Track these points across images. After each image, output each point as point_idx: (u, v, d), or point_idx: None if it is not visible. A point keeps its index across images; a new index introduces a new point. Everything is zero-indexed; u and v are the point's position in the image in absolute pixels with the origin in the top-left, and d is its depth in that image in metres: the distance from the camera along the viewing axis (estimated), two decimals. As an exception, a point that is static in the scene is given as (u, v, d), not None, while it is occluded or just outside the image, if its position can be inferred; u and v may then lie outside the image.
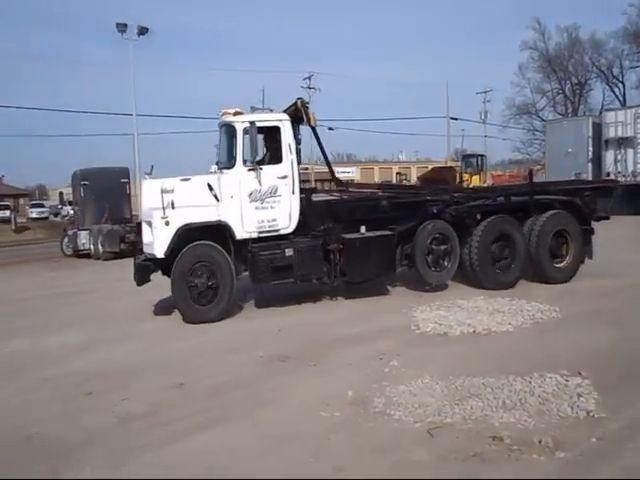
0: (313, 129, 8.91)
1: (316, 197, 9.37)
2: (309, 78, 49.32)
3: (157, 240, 8.04)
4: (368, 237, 8.82)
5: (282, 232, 8.54)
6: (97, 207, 20.00)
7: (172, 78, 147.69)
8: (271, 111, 8.99)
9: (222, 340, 7.10)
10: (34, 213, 48.05)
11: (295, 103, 8.80)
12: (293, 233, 8.61)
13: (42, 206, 52.93)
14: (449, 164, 38.14)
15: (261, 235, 8.45)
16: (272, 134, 8.66)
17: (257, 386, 5.28)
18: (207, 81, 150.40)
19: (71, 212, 26.06)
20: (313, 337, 6.85)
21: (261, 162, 8.51)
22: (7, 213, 42.13)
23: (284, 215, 8.50)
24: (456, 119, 48.03)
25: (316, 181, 54.52)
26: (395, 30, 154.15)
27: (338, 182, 10.04)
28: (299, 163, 8.94)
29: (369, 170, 67.63)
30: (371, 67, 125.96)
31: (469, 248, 9.00)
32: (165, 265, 8.15)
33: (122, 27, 30.62)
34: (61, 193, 33.02)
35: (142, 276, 8.21)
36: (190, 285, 8.02)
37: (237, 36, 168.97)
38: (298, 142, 8.90)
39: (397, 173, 39.11)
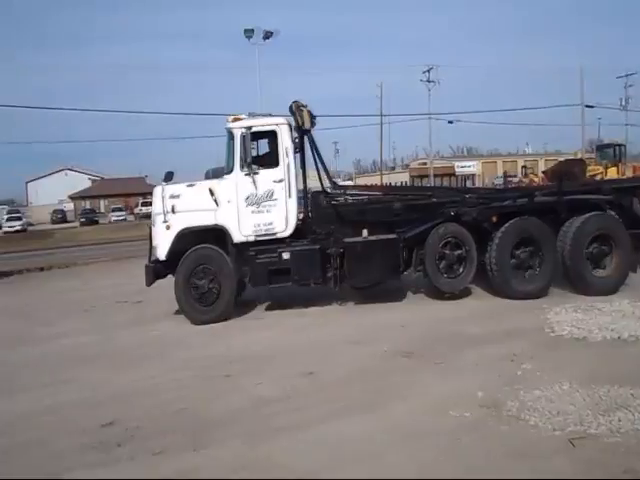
0: (306, 132, 8.80)
1: (323, 199, 8.97)
2: (428, 71, 48.39)
3: (160, 243, 8.51)
4: (370, 241, 8.57)
5: (279, 235, 8.57)
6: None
7: (295, 78, 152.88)
8: (270, 116, 9.02)
9: (344, 332, 7.22)
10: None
11: (290, 107, 8.78)
12: (293, 236, 8.61)
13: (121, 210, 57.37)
14: (580, 156, 35.10)
15: (258, 239, 8.54)
16: (270, 138, 8.76)
17: (384, 380, 5.31)
18: (328, 79, 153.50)
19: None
20: (437, 334, 6.72)
21: (258, 166, 8.54)
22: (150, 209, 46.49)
23: (280, 219, 8.54)
24: (592, 107, 44.18)
25: (435, 176, 53.37)
26: (523, 15, 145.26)
27: (335, 185, 9.77)
28: (323, 164, 9.13)
29: (491, 164, 64.62)
30: (496, 57, 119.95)
31: (489, 253, 8.32)
32: (173, 267, 8.42)
33: (249, 33, 32.39)
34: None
35: (149, 277, 8.54)
36: (192, 287, 8.32)
37: (357, 33, 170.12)
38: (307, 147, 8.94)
39: (522, 166, 36.77)
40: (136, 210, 52.14)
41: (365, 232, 8.66)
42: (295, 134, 8.74)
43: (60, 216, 55.57)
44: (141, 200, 53.04)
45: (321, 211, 8.86)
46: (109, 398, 5.43)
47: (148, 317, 8.95)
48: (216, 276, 8.36)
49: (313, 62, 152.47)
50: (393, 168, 68.56)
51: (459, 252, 8.49)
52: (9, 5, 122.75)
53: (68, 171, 73.48)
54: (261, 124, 8.69)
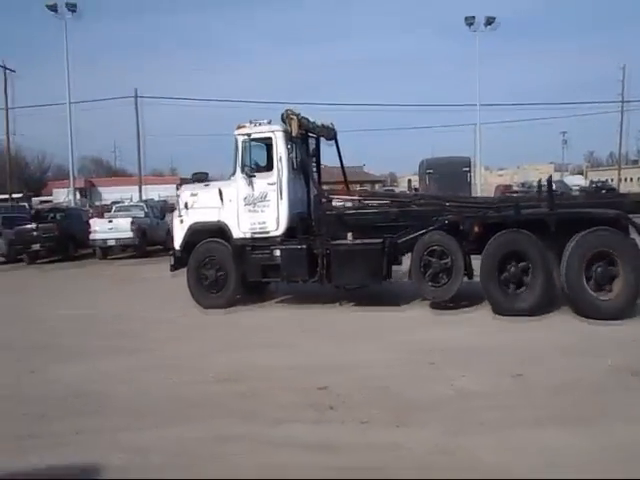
0: (296, 138, 9.31)
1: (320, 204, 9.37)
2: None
3: (176, 236, 9.83)
4: (353, 245, 8.89)
5: (271, 234, 9.24)
6: (439, 193, 21.29)
7: (515, 65, 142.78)
8: (269, 123, 9.44)
9: (554, 338, 6.77)
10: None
11: (282, 115, 9.24)
12: (289, 235, 9.21)
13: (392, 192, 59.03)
14: None
15: (254, 236, 9.31)
16: (267, 145, 9.45)
17: (604, 396, 4.86)
18: (551, 64, 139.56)
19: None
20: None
21: (257, 170, 9.31)
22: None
23: (272, 219, 9.21)
24: None
25: None
26: None
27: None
28: (318, 172, 10.25)
29: None
30: None
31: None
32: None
33: (470, 20, 31.47)
34: (409, 180, 36.21)
35: (176, 265, 9.87)
36: (202, 276, 9.42)
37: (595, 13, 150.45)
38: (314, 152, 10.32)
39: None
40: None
41: (349, 235, 8.97)
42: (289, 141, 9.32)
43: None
44: (358, 187, 55.79)
45: (320, 214, 9.32)
46: (325, 365, 6.05)
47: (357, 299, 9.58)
48: (222, 266, 9.39)
49: (540, 47, 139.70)
50: (636, 162, 59.46)
51: (445, 261, 8.36)
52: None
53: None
54: (259, 131, 9.37)
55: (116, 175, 77.79)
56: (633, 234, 7.88)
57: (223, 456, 4.03)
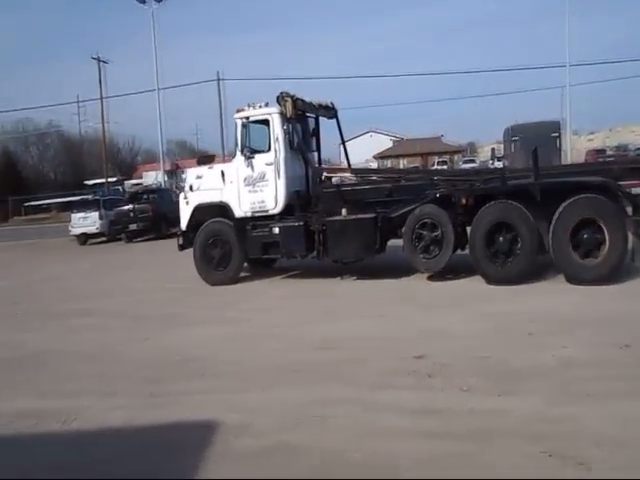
0: (292, 119, 9.63)
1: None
2: None
3: (182, 216, 10.35)
4: (347, 220, 9.16)
5: (270, 212, 9.63)
6: (526, 162, 20.30)
7: (605, 18, 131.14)
8: (266, 106, 9.75)
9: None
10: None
11: (277, 97, 9.53)
12: (287, 213, 9.59)
13: (473, 162, 57.22)
14: None
15: (255, 214, 9.70)
16: (265, 126, 9.71)
17: None
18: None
19: (499, 166, 27.36)
20: None
21: (256, 151, 9.65)
22: (445, 167, 47.99)
23: (271, 197, 9.59)
24: None
25: None
26: None
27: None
28: (318, 151, 10.81)
29: None
30: None
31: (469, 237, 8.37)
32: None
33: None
34: (493, 149, 34.90)
35: (184, 244, 10.47)
36: (208, 254, 9.95)
37: None
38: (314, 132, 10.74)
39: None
40: (432, 168, 53.96)
41: (344, 211, 9.25)
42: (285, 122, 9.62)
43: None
44: (437, 159, 54.53)
45: (318, 191, 9.70)
46: (418, 334, 6.10)
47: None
48: (226, 245, 9.88)
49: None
50: None
51: (436, 233, 8.54)
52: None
53: (373, 133, 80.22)
54: (257, 114, 9.77)
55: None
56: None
57: (327, 418, 4.21)
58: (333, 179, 10.18)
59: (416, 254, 8.71)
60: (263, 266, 10.88)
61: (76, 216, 23.01)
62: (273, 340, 6.32)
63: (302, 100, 9.90)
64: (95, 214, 22.39)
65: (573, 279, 7.71)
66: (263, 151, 9.70)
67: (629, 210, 7.89)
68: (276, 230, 9.57)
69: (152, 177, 52.76)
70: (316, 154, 10.90)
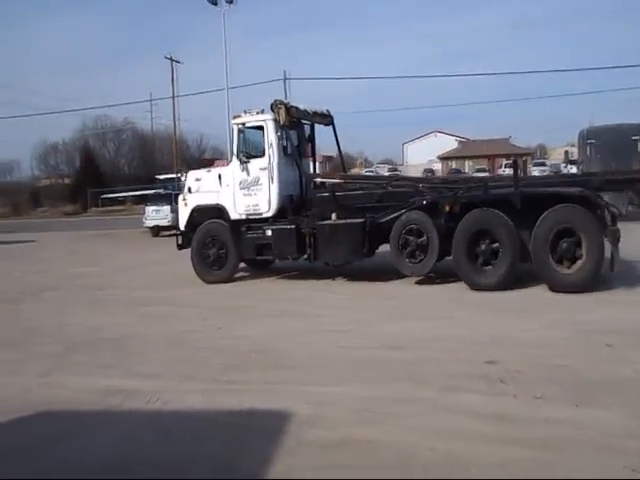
0: (287, 126, 10.03)
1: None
2: None
3: (181, 217, 10.90)
4: (336, 224, 9.51)
5: (264, 215, 10.05)
6: (603, 166, 19.38)
7: None
8: (262, 112, 10.20)
9: None
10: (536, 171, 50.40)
11: (271, 105, 9.98)
12: (281, 216, 9.95)
13: (543, 165, 54.99)
14: None
15: (249, 217, 10.15)
16: (260, 132, 10.13)
17: None
18: None
19: (572, 171, 26.20)
20: None
21: (252, 156, 10.09)
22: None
23: (264, 201, 10.00)
24: None
25: None
26: None
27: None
28: (313, 156, 11.43)
29: None
30: None
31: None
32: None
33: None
34: (566, 152, 33.42)
35: (183, 243, 10.96)
36: (204, 254, 10.39)
37: None
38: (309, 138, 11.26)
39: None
40: (499, 171, 52.33)
41: (334, 216, 9.58)
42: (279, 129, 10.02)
43: (430, 174, 60.64)
44: (504, 161, 52.88)
45: (311, 196, 10.10)
46: (489, 339, 6.03)
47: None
48: (222, 245, 10.30)
49: None
50: None
51: (422, 239, 8.84)
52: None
53: (437, 133, 78.88)
54: (252, 120, 10.21)
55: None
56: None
57: (401, 416, 4.27)
58: (327, 184, 10.46)
59: (402, 259, 9.06)
60: (259, 267, 11.37)
61: (149, 209, 24.17)
62: (344, 336, 6.43)
63: (296, 107, 10.31)
64: (167, 207, 23.39)
65: (553, 287, 8.04)
66: (258, 156, 10.10)
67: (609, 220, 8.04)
68: (269, 232, 9.95)
69: (219, 174, 54.17)
70: (311, 160, 11.33)
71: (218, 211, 10.46)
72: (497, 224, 8.35)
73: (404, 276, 9.68)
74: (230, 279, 10.52)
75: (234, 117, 10.51)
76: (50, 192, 59.89)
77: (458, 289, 8.76)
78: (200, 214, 10.70)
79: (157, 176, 52.76)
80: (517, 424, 4.07)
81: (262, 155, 10.10)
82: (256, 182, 10.06)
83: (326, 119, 11.45)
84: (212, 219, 10.50)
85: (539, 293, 8.16)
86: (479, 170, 55.48)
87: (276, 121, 9.96)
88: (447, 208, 8.75)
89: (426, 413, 4.30)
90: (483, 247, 8.42)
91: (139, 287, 10.94)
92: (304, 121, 10.92)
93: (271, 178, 9.98)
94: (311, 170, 11.09)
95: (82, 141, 65.08)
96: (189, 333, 7.09)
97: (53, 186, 63.70)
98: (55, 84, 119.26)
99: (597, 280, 7.96)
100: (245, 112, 10.39)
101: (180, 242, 11.06)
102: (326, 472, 3.51)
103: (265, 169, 10.01)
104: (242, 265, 11.13)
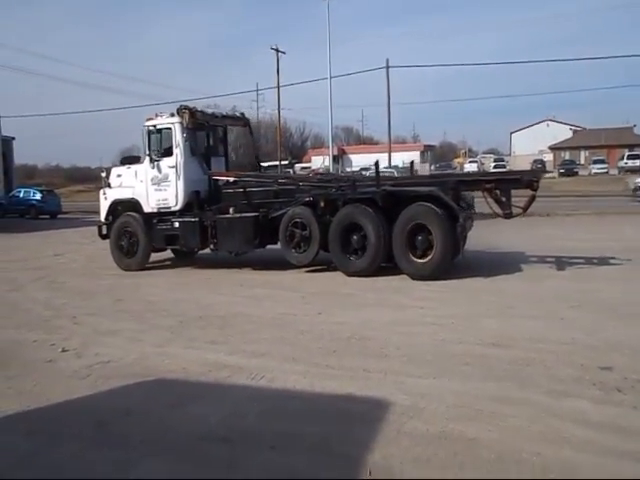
0: (193, 128, 11.32)
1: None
2: None
3: (102, 210, 12.14)
4: (232, 217, 10.76)
5: (172, 209, 11.26)
6: None
7: None
8: (171, 116, 11.35)
9: None
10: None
11: (177, 109, 11.22)
12: (188, 210, 11.13)
13: (603, 162, 50.43)
14: None
15: (160, 210, 11.38)
16: (169, 133, 11.24)
17: None
18: None
19: None
20: None
21: (161, 155, 11.25)
22: (637, 162, 42.70)
23: (172, 196, 11.21)
24: None
25: None
26: None
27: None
28: (226, 156, 12.83)
29: None
30: None
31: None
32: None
33: None
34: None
35: (101, 235, 12.28)
36: (119, 244, 11.67)
37: None
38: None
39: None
40: (620, 163, 48.10)
41: (231, 210, 10.80)
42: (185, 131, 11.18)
43: (539, 166, 57.24)
44: (627, 152, 48.52)
45: (213, 191, 11.45)
46: (604, 344, 5.62)
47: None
48: (134, 236, 11.55)
49: None
50: None
51: (305, 232, 10.11)
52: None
53: (549, 122, 73.97)
54: (162, 122, 11.33)
55: (363, 142, 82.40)
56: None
57: (503, 416, 4.12)
58: (232, 181, 11.56)
59: (289, 249, 10.36)
60: (184, 257, 12.78)
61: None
62: (446, 330, 6.31)
63: (202, 112, 11.68)
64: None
65: (411, 276, 9.22)
66: (168, 155, 11.25)
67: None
68: (176, 224, 11.24)
69: (319, 161, 55.25)
70: (223, 159, 12.64)
71: (134, 204, 11.68)
72: (364, 218, 9.59)
73: (506, 272, 9.30)
74: (142, 266, 11.71)
75: (146, 119, 11.61)
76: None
77: (567, 288, 8.24)
78: (117, 207, 12.01)
79: (262, 163, 54.73)
80: (636, 437, 3.77)
81: (171, 154, 11.21)
82: (166, 179, 11.25)
83: (239, 122, 13.31)
84: (128, 212, 11.76)
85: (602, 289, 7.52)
86: (596, 161, 51.39)
87: (182, 124, 11.14)
88: (322, 204, 10.01)
89: (531, 416, 4.11)
90: (355, 238, 9.67)
91: (240, 268, 11.47)
92: (216, 124, 12.33)
93: (178, 175, 11.17)
94: (223, 168, 12.43)
95: (193, 129, 68.63)
96: (290, 315, 7.32)
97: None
98: (172, 76, 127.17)
99: (446, 269, 9.21)
100: (157, 115, 11.60)
101: (104, 232, 12.27)
102: (425, 465, 3.50)
103: (173, 167, 11.19)
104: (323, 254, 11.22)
